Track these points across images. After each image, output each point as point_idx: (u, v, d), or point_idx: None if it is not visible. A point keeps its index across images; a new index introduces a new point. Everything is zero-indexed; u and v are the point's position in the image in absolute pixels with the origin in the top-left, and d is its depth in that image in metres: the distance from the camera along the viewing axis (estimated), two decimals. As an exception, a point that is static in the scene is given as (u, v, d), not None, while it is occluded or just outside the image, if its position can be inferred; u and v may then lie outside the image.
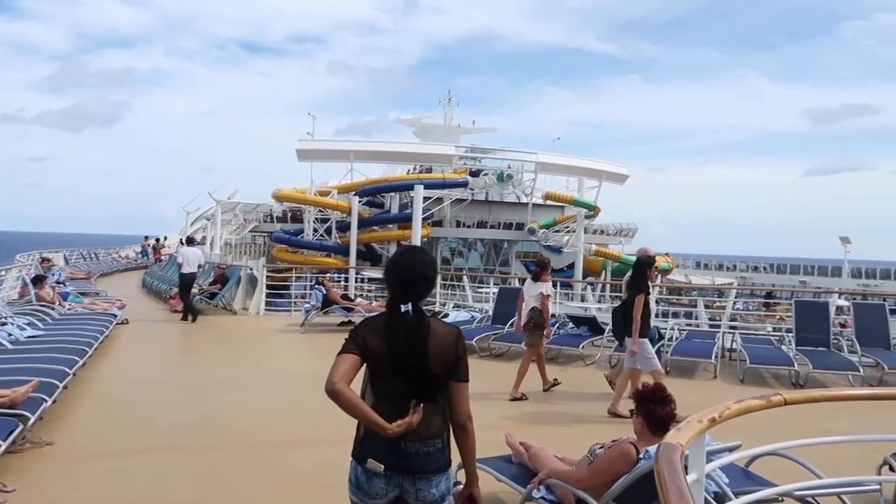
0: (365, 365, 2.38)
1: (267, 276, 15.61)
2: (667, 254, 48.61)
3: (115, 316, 11.84)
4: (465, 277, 17.82)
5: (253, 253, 43.08)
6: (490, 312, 11.39)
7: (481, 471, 4.35)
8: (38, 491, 4.58)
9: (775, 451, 2.93)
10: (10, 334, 8.74)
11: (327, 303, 12.23)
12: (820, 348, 9.03)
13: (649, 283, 7.04)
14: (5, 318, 9.88)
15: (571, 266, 46.93)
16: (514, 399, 7.60)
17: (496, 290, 13.33)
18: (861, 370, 8.22)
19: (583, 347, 9.65)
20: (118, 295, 15.77)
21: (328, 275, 15.13)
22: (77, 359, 7.73)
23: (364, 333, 2.37)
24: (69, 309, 12.05)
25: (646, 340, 6.90)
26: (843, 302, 18.64)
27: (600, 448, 3.53)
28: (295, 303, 15.02)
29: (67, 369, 7.04)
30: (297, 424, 6.31)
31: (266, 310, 14.96)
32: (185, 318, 13.46)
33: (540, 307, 7.84)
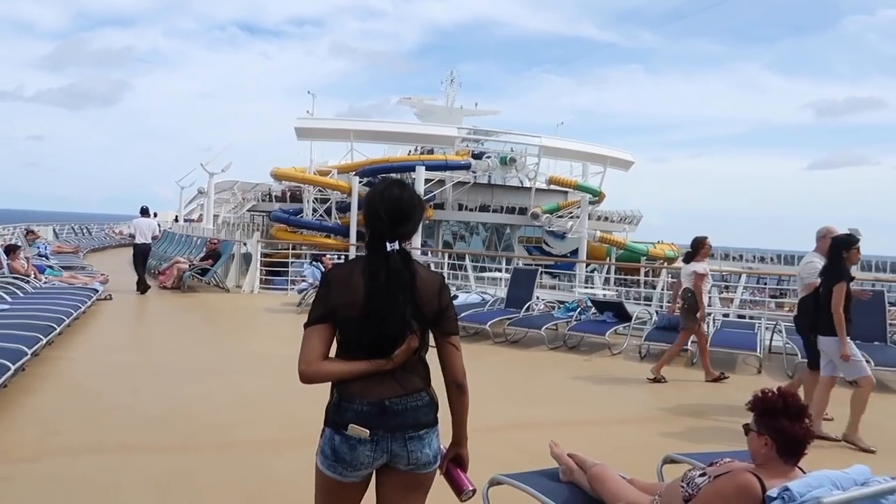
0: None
1: (263, 255, 14.58)
2: (672, 243, 47.65)
3: (97, 291, 10.80)
4: (467, 258, 16.64)
5: (251, 231, 41.96)
6: (503, 296, 10.35)
7: (520, 490, 3.36)
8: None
9: None
10: (-32, 307, 7.73)
11: (325, 281, 11.20)
12: (875, 343, 8.01)
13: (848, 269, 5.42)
14: (-32, 289, 8.86)
15: (575, 252, 45.92)
16: (653, 380, 7.16)
17: (508, 274, 12.27)
18: (931, 367, 7.21)
19: (608, 335, 8.62)
20: (107, 270, 14.77)
21: (327, 254, 14.08)
22: (41, 337, 6.70)
23: (334, 288, 2.07)
24: (45, 282, 11.01)
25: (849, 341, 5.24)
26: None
27: (701, 476, 2.51)
28: (293, 281, 13.98)
29: (26, 349, 6.00)
30: (286, 420, 5.26)
31: (261, 288, 13.94)
32: (139, 290, 12.85)
33: (693, 288, 7.17)
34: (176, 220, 36.34)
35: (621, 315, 9.11)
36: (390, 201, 2.08)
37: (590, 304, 9.51)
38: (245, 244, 14.40)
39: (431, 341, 2.16)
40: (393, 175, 45.75)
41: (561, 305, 9.81)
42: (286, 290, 13.76)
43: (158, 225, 26.49)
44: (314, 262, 11.35)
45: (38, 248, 16.29)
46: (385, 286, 2.01)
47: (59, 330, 7.53)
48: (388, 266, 2.03)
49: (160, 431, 4.96)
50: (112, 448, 4.59)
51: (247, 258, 14.90)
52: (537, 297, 11.09)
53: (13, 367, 5.43)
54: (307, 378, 2.01)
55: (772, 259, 41.70)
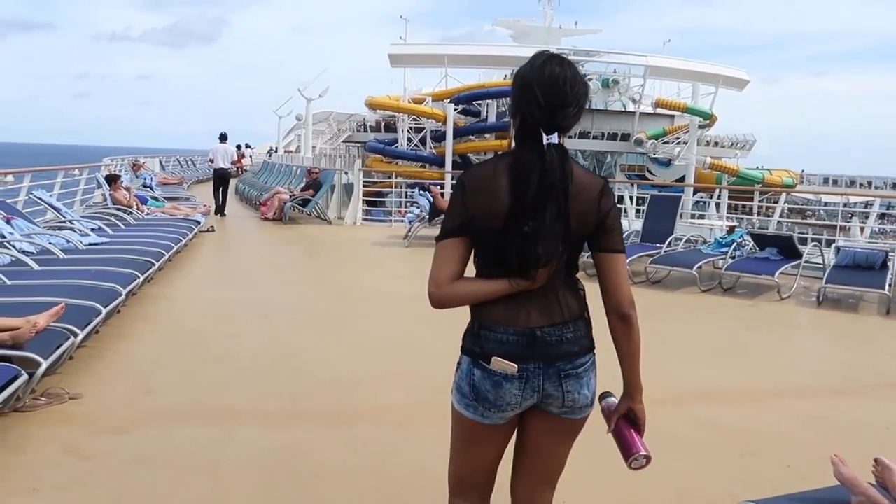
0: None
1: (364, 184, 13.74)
2: (801, 170, 43.74)
3: (199, 222, 10.27)
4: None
5: (348, 162, 41.71)
6: (638, 228, 8.97)
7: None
8: (16, 493, 2.79)
9: None
10: (67, 241, 7.18)
11: (435, 212, 10.17)
12: None
13: None
14: (70, 221, 8.42)
15: (682, 180, 43.09)
16: None
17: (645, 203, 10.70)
18: None
19: (777, 276, 7.14)
20: (210, 201, 14.56)
21: (433, 183, 13.07)
22: (137, 275, 6.02)
23: (472, 192, 1.63)
24: (147, 213, 10.58)
25: None
26: None
27: None
28: (398, 212, 13.10)
29: (121, 289, 5.31)
30: (413, 380, 4.29)
31: (363, 220, 13.14)
32: (217, 213, 13.38)
33: None
34: (270, 152, 35.87)
35: (788, 251, 7.58)
36: (551, 80, 1.59)
37: (747, 238, 7.99)
38: (346, 173, 13.56)
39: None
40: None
41: (706, 242, 8.34)
42: (390, 221, 12.91)
43: (241, 147, 26.25)
44: (422, 191, 10.31)
45: (144, 178, 16.18)
46: (536, 192, 1.57)
47: (158, 265, 6.89)
48: (543, 166, 1.57)
49: (266, 390, 4.10)
50: (211, 413, 3.78)
51: (347, 188, 14.14)
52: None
53: (104, 311, 4.72)
54: (438, 302, 1.65)
55: (907, 185, 37.38)
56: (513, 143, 1.68)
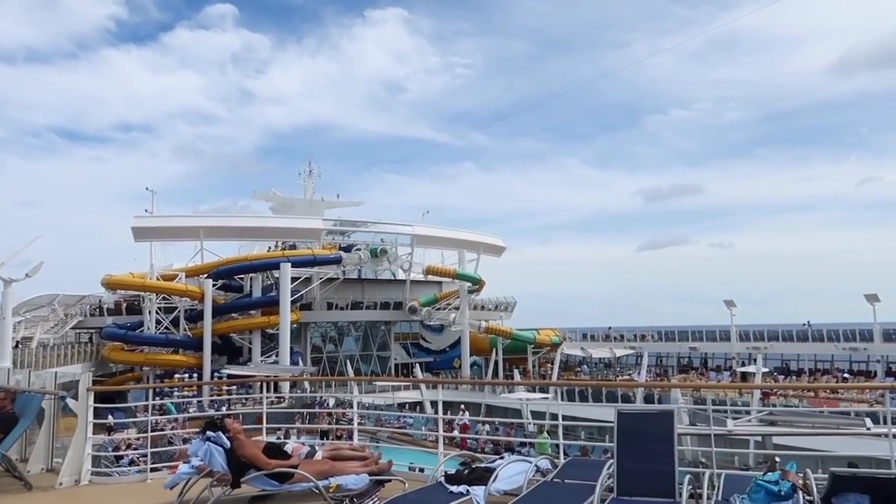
0: None
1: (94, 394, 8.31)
2: (559, 329, 44.79)
3: None
4: (350, 373, 11.93)
5: (76, 356, 32.95)
6: (608, 467, 5.25)
7: None
8: None
9: None
10: None
11: (239, 466, 5.51)
12: None
13: None
14: None
15: (454, 345, 41.66)
16: None
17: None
18: None
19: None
20: None
21: (230, 416, 8.19)
22: None
23: None
24: None
25: None
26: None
27: None
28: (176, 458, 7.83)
29: None
30: None
31: (93, 473, 7.59)
32: None
33: None
34: None
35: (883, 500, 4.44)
36: None
37: (810, 479, 4.67)
38: (64, 398, 8.04)
39: None
40: (255, 272, 39.53)
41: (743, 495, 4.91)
42: (144, 471, 7.60)
43: None
44: (212, 435, 5.65)
45: None
46: None
47: None
48: None
49: None
50: None
51: (65, 413, 8.59)
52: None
53: None
54: None
55: (652, 337, 39.93)
56: None
